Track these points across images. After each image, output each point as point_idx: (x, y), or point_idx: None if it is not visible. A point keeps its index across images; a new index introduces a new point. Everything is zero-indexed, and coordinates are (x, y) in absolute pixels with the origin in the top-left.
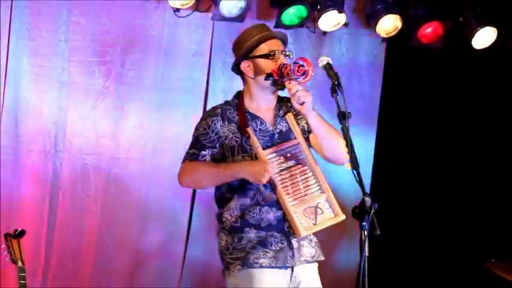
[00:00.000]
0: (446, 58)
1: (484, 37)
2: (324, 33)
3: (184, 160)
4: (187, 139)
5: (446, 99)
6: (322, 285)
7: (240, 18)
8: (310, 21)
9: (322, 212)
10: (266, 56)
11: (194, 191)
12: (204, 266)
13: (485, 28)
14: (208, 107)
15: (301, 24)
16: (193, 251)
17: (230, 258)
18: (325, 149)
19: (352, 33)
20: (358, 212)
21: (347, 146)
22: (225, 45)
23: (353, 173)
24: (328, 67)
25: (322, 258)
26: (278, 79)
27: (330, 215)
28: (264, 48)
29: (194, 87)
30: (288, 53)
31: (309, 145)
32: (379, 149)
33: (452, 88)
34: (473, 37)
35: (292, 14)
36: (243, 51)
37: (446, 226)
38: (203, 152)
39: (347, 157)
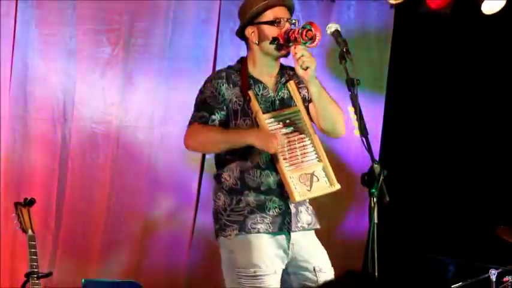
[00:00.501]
0: (456, 24)
1: (494, 2)
2: (333, 0)
3: (192, 122)
4: None
5: (455, 65)
6: (332, 252)
7: None
8: None
9: (318, 180)
10: (271, 22)
11: (203, 159)
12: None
13: None
14: None
15: None
16: (203, 219)
17: (227, 221)
18: (323, 120)
19: (360, 0)
20: (367, 179)
21: (356, 113)
22: (233, 13)
23: (362, 140)
24: (336, 34)
25: (318, 226)
26: (284, 44)
27: (326, 184)
28: (269, 15)
29: (203, 55)
30: (293, 21)
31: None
32: (388, 116)
33: (461, 54)
34: (482, 2)
35: None
36: (248, 16)
37: (455, 192)
38: (213, 117)
39: (342, 130)
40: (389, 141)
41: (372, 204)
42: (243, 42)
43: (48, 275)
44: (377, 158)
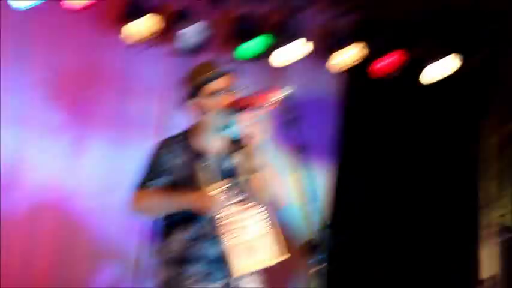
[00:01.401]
0: (404, 89)
1: (438, 69)
2: (283, 65)
3: (136, 187)
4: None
5: (404, 129)
6: None
7: (196, 52)
8: (268, 53)
9: (263, 251)
10: (211, 95)
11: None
12: None
13: (443, 59)
14: None
15: (260, 57)
16: None
17: None
18: (262, 191)
19: (310, 66)
20: (310, 247)
21: (302, 180)
22: (179, 80)
23: (305, 207)
24: (285, 99)
25: None
26: (234, 111)
27: (272, 255)
28: (209, 88)
29: (150, 123)
30: (235, 90)
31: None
32: (337, 181)
33: (410, 119)
34: (426, 69)
35: (251, 46)
36: (189, 91)
37: (406, 259)
38: (155, 181)
39: (283, 202)
40: (340, 206)
41: (314, 273)
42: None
43: None
44: (325, 224)
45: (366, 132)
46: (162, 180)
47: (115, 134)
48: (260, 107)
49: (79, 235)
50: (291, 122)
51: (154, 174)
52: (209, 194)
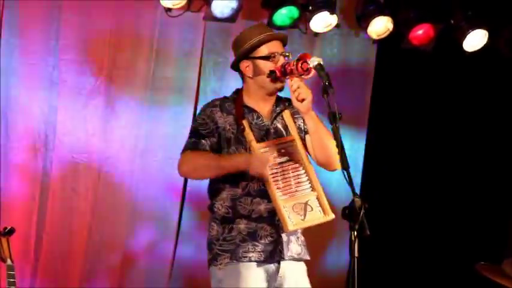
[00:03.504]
0: (438, 60)
1: (475, 39)
2: (316, 34)
3: (184, 150)
4: (178, 138)
5: (437, 101)
6: (312, 285)
7: (231, 18)
8: (301, 22)
9: (312, 210)
10: (266, 57)
11: (184, 190)
12: (194, 265)
13: (476, 30)
14: (199, 107)
15: (293, 25)
16: (183, 251)
17: (219, 250)
18: (318, 152)
19: (343, 35)
20: (347, 213)
21: (337, 146)
22: (216, 46)
23: (343, 173)
24: (319, 68)
25: (307, 257)
26: (280, 76)
27: (320, 214)
28: (264, 50)
29: (185, 87)
30: (287, 54)
31: (304, 145)
32: (369, 150)
33: (443, 90)
34: (464, 39)
35: (284, 14)
36: (243, 51)
37: (435, 227)
38: (203, 141)
39: (338, 164)
40: (371, 175)
41: (353, 238)
42: (225, 75)
43: None
44: (358, 191)
45: (397, 102)
46: (212, 140)
47: (149, 97)
48: (305, 70)
49: (116, 197)
50: (324, 90)
51: (200, 135)
52: (257, 153)
